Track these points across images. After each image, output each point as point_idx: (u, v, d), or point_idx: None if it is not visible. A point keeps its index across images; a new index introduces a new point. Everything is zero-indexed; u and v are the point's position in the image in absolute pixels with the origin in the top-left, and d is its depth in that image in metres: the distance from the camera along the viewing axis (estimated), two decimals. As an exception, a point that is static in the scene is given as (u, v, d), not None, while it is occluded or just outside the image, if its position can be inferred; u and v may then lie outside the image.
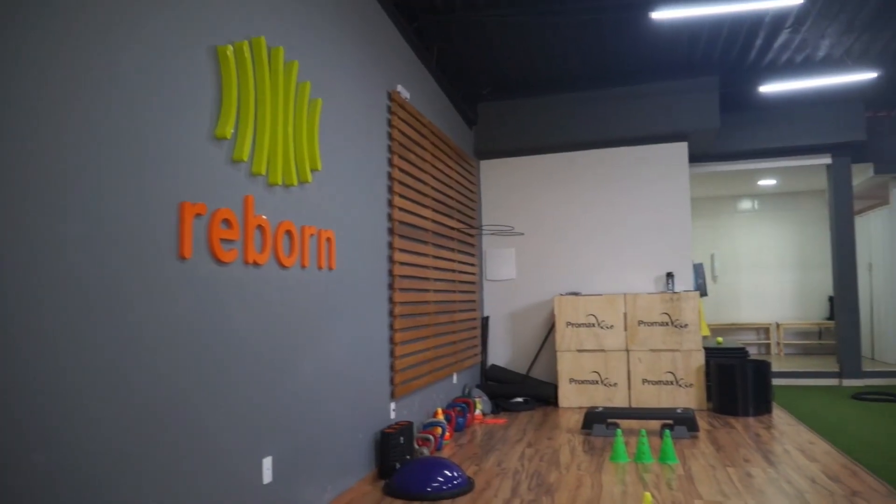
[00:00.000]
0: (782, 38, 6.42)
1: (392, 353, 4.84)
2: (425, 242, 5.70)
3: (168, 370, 2.47)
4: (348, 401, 4.07)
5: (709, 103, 7.32)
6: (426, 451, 4.91)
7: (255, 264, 3.08)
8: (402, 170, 5.14)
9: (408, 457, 4.56)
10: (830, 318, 11.06)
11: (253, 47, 3.10)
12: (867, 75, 6.87)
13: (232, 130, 2.90)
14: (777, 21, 6.05)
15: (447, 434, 5.47)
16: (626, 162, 7.77)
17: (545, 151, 7.97)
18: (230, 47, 2.89)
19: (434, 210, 5.96)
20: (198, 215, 2.66)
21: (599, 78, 7.41)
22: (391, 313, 4.86)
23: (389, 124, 4.98)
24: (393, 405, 4.82)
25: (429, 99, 6.13)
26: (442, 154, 6.30)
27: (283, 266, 3.33)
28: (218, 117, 2.85)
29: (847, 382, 8.44)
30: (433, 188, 5.95)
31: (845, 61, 6.99)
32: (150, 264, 2.40)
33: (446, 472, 4.10)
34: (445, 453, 5.14)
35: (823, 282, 11.33)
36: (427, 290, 5.69)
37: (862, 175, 9.07)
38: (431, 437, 5.02)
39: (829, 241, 9.03)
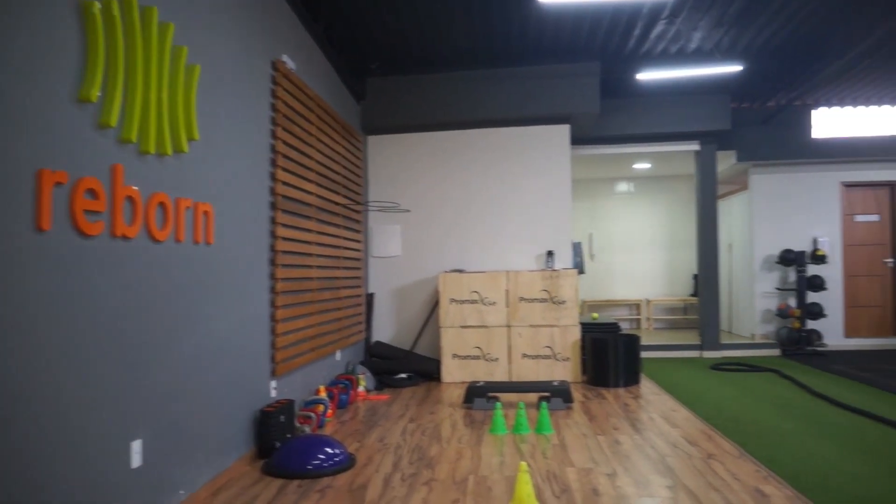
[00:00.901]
0: (659, 28, 6.74)
1: (273, 331, 4.73)
2: (309, 218, 5.59)
3: (25, 349, 2.30)
4: (226, 380, 3.95)
5: (590, 88, 7.58)
6: (308, 429, 4.86)
7: (125, 237, 2.91)
8: (286, 143, 4.99)
9: (288, 435, 4.50)
10: (694, 294, 11.84)
11: (123, 5, 2.90)
12: (733, 68, 7.34)
13: (98, 93, 2.71)
14: (654, 12, 6.33)
15: (329, 411, 5.44)
16: (511, 142, 7.94)
17: (433, 129, 8.00)
18: (96, 3, 2.69)
19: (319, 185, 5.85)
20: (58, 184, 2.47)
21: (487, 58, 7.50)
22: (273, 290, 4.75)
23: (273, 95, 4.82)
24: (274, 383, 4.73)
25: (315, 71, 5.98)
26: (328, 128, 6.17)
27: (155, 240, 3.16)
28: (83, 79, 2.64)
29: (707, 354, 9.10)
30: (318, 163, 5.83)
31: (714, 54, 7.43)
32: (3, 236, 2.21)
33: (327, 450, 4.08)
34: (328, 431, 5.11)
35: (689, 261, 12.10)
36: (311, 267, 5.59)
37: (726, 162, 9.73)
38: (313, 414, 4.98)
39: (695, 222, 9.63)
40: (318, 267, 5.80)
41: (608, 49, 7.33)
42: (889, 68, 8.13)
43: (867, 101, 9.58)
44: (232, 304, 4.05)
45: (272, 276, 4.74)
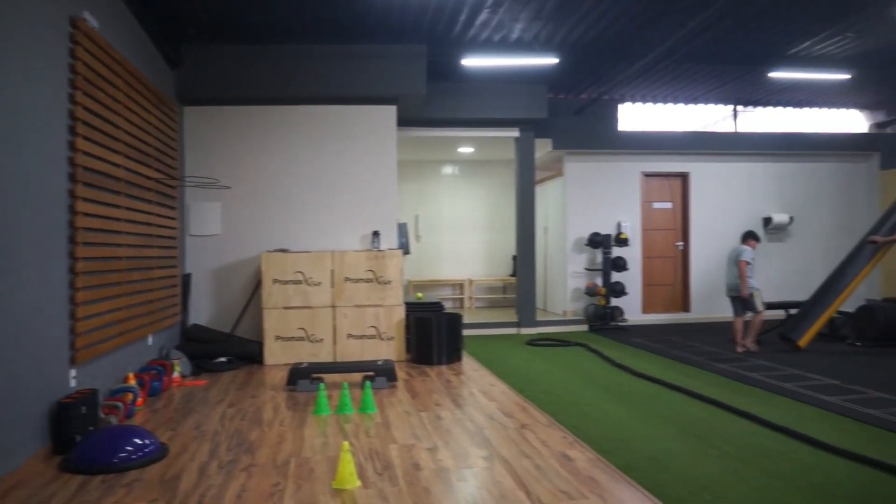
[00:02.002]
0: (483, 16, 6.93)
1: (73, 315, 4.32)
2: (117, 192, 5.14)
3: None
4: (11, 370, 3.54)
5: (417, 70, 7.65)
6: (114, 420, 4.51)
7: None
8: (88, 109, 4.54)
9: (91, 428, 4.15)
10: (513, 274, 12.45)
11: None
12: (550, 61, 7.76)
13: None
14: (479, 0, 6.50)
15: (140, 400, 5.09)
16: (339, 120, 7.83)
17: (256, 103, 7.68)
18: None
19: (127, 157, 5.39)
20: None
21: (315, 33, 7.32)
22: (72, 270, 4.32)
23: (72, 55, 4.36)
24: (74, 372, 4.32)
25: (124, 32, 5.49)
26: (138, 96, 5.71)
27: (-78, 213, 2.75)
28: None
29: (524, 331, 9.63)
30: (127, 132, 5.37)
31: (534, 46, 7.79)
32: None
33: (136, 441, 3.82)
34: (137, 420, 4.78)
35: (509, 242, 12.67)
36: (118, 245, 5.16)
37: (543, 149, 10.28)
38: (121, 404, 4.63)
39: (514, 206, 10.11)
40: (127, 245, 5.37)
41: (435, 33, 7.43)
42: (681, 71, 9.02)
43: (664, 100, 10.57)
44: (18, 286, 3.64)
45: (71, 255, 4.31)
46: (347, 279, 7.15)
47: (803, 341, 7.68)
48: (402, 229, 8.40)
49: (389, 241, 7.85)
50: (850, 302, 8.25)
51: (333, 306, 7.13)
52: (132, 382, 5.15)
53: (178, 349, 6.71)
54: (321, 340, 7.11)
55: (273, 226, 7.71)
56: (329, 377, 6.11)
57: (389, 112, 7.91)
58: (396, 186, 7.98)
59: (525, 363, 7.21)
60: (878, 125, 11.47)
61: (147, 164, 5.94)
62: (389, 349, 7.19)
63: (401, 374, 6.48)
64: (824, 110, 11.50)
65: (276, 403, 5.31)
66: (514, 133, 9.62)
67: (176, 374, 6.09)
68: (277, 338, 7.05)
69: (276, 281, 7.04)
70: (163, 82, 6.73)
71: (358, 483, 3.40)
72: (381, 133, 7.89)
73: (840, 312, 8.30)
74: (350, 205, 7.82)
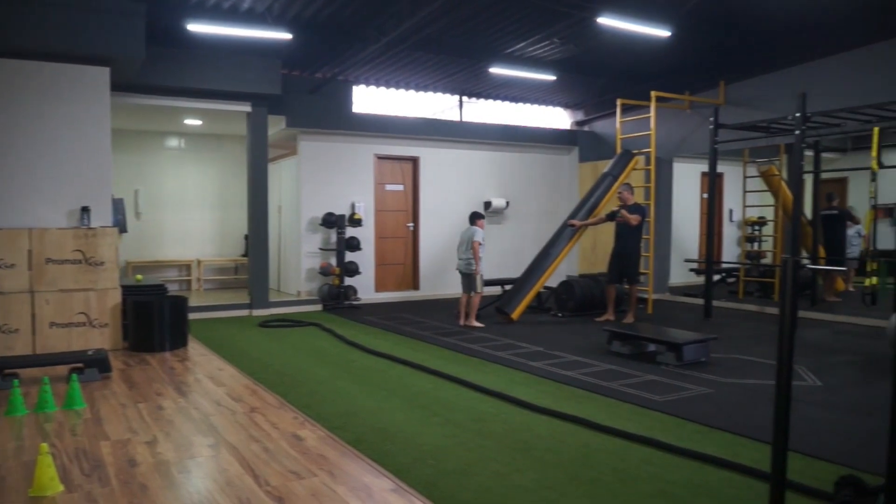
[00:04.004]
0: (210, -20, 6.52)
1: None
2: None
3: None
4: None
5: (133, 30, 6.94)
6: None
7: None
8: None
9: None
10: (245, 254, 12.02)
11: None
12: (283, 36, 7.56)
13: None
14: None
15: None
16: (37, 79, 6.81)
17: (-75, 49, 6.39)
18: None
19: None
20: None
21: (3, -27, 6.28)
22: None
23: None
24: None
25: None
26: None
27: None
28: None
29: (256, 312, 9.36)
30: None
31: (266, 18, 7.52)
32: None
33: None
34: None
35: (241, 221, 12.17)
36: None
37: (276, 126, 10.02)
38: None
39: (246, 183, 9.74)
40: None
41: (156, -9, 6.83)
42: (412, 59, 9.40)
43: (397, 85, 10.93)
44: None
45: None
46: (50, 260, 6.32)
47: (516, 314, 8.51)
48: (119, 205, 7.63)
49: (102, 217, 7.06)
50: (553, 278, 9.31)
51: (32, 291, 6.26)
52: None
53: None
54: (17, 331, 6.21)
55: (-50, 198, 6.51)
56: (26, 372, 5.35)
57: (101, 74, 7.09)
58: (111, 157, 7.20)
59: (256, 345, 7.02)
60: (577, 123, 13.07)
61: None
62: (103, 337, 6.52)
63: (116, 363, 5.91)
64: (536, 106, 12.80)
65: (-45, 406, 4.53)
66: (246, 108, 9.23)
67: None
68: (-43, 330, 6.01)
69: (-46, 263, 5.98)
70: None
71: (60, 488, 3.05)
72: (91, 97, 7.03)
73: (546, 287, 9.34)
74: (53, 176, 6.87)
